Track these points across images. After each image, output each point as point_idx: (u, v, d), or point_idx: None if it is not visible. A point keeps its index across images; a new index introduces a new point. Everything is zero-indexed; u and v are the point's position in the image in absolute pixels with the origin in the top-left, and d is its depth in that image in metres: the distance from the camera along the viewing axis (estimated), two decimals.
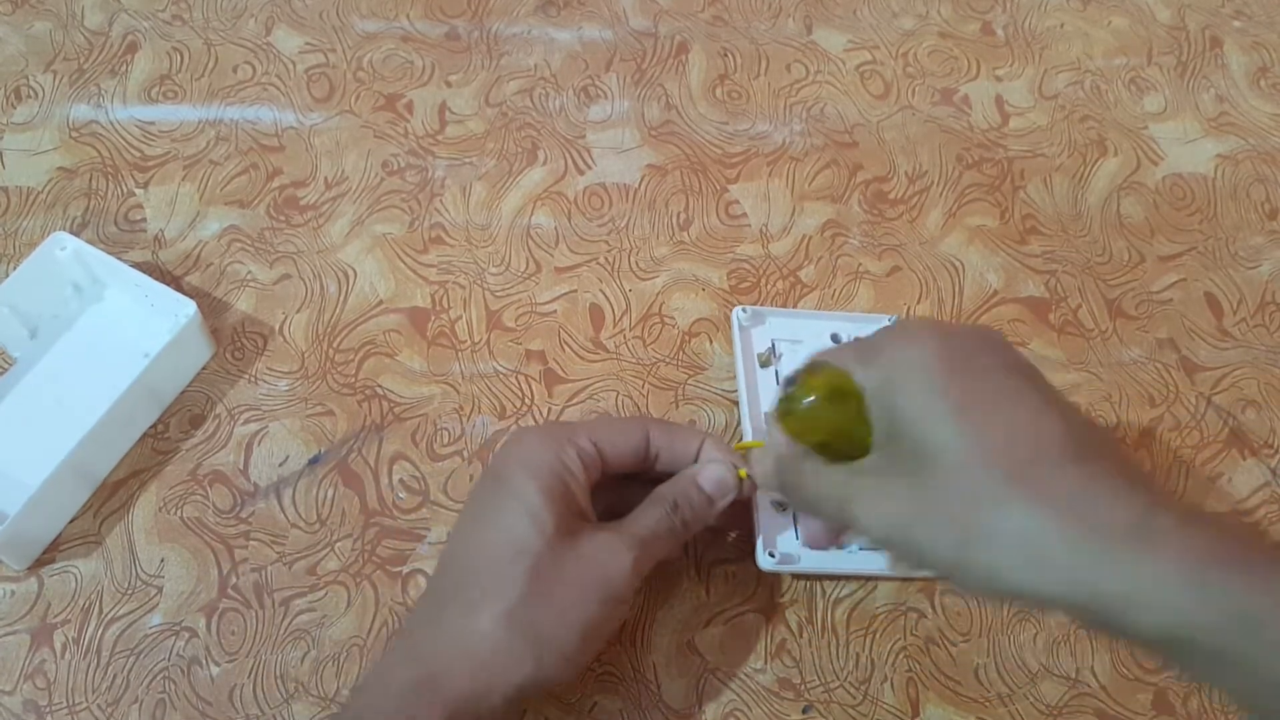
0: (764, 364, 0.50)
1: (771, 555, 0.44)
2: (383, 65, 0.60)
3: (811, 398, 0.37)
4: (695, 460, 0.43)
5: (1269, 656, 0.28)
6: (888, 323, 0.51)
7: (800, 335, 0.51)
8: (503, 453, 0.42)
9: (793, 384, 0.38)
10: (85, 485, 0.46)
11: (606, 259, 0.54)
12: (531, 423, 0.49)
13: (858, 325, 0.51)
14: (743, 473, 0.43)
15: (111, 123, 0.57)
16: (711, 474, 0.43)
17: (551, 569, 0.38)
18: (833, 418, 0.37)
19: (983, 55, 0.64)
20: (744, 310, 0.51)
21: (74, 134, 0.56)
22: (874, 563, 0.46)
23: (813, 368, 0.38)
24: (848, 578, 0.46)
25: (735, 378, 0.49)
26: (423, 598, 0.42)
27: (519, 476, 0.39)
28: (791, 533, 0.45)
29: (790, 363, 0.49)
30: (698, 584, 0.46)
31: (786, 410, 0.38)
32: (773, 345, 0.50)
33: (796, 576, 0.46)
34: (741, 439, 0.48)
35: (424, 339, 0.51)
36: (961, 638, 0.46)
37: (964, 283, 0.55)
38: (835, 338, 0.49)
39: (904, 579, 0.46)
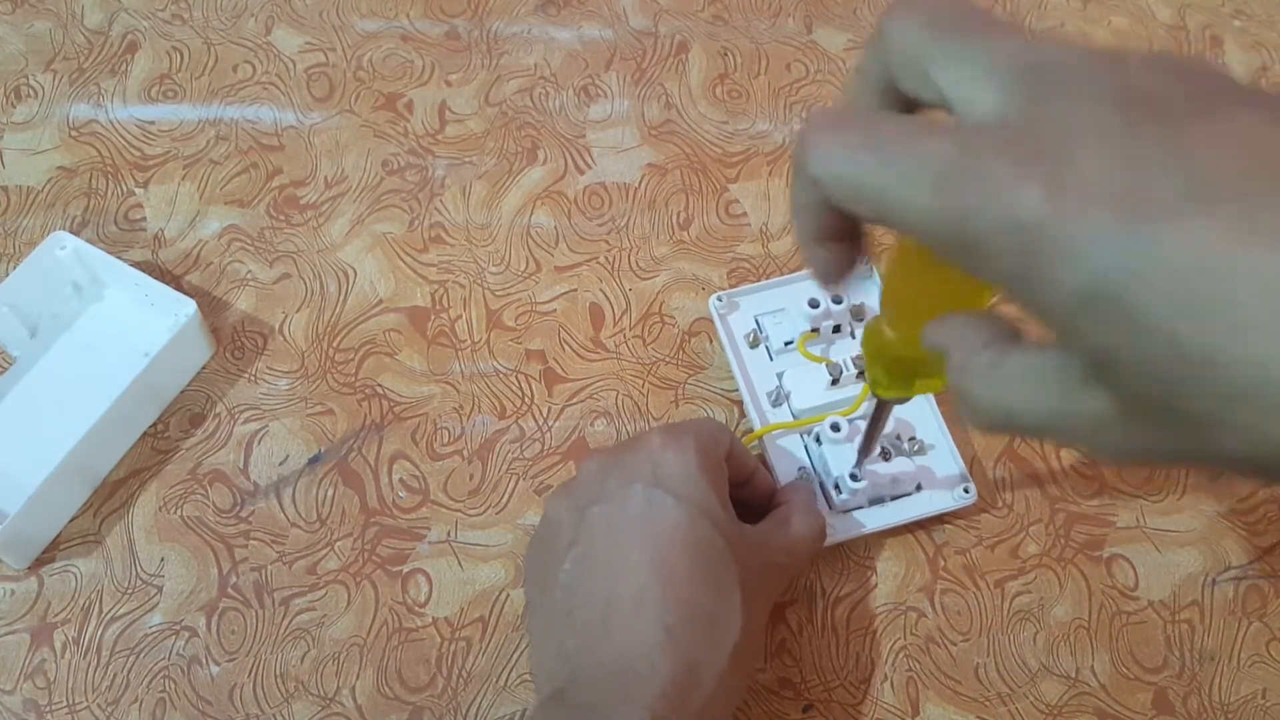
0: (753, 345, 0.50)
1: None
2: (382, 64, 0.60)
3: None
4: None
5: None
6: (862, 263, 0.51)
7: (780, 304, 0.51)
8: (657, 455, 0.38)
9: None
10: (85, 484, 0.46)
11: (606, 258, 0.54)
12: (532, 423, 0.49)
13: None
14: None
15: (111, 122, 0.57)
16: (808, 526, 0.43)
17: (741, 579, 0.37)
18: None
19: None
20: (719, 298, 0.50)
21: (74, 133, 0.56)
22: (901, 512, 0.46)
23: None
24: (886, 533, 0.47)
25: (730, 367, 0.49)
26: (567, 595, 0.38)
27: (686, 478, 0.38)
28: (824, 508, 0.46)
29: (778, 336, 0.49)
30: None
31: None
32: (757, 323, 0.50)
33: (842, 538, 0.47)
34: (751, 429, 0.48)
35: (424, 338, 0.51)
36: (961, 637, 0.46)
37: None
38: (813, 302, 0.49)
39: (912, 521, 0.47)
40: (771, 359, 0.50)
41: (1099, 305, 0.21)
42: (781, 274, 0.54)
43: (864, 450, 0.44)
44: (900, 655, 0.45)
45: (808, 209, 0.28)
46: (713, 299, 0.50)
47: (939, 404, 0.49)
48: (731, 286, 0.53)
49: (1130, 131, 0.21)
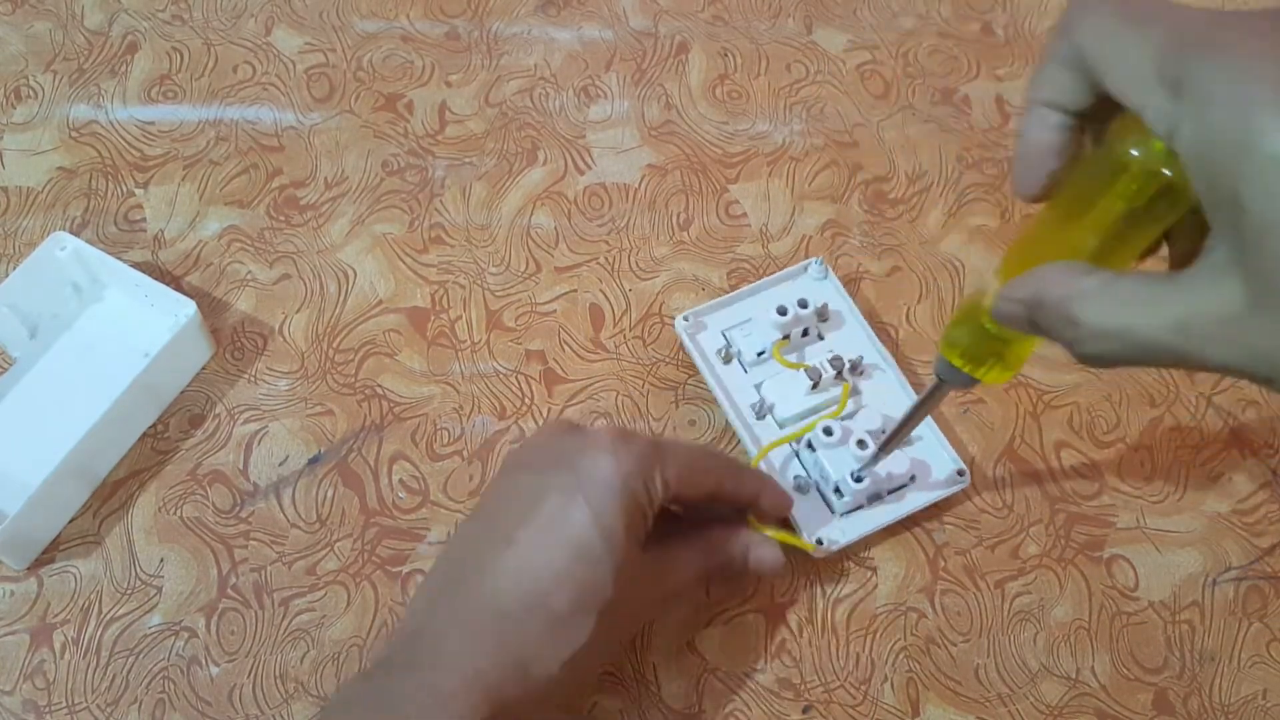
0: (726, 360, 0.50)
1: (820, 543, 0.45)
2: (382, 65, 0.60)
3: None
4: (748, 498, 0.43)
5: None
6: (814, 264, 0.52)
7: (745, 315, 0.51)
8: (593, 457, 0.37)
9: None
10: (85, 485, 0.46)
11: (606, 259, 0.54)
12: (532, 423, 0.49)
13: (791, 284, 0.52)
14: (799, 543, 0.44)
15: (111, 123, 0.57)
16: (760, 558, 0.42)
17: (612, 605, 0.37)
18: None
19: (983, 55, 0.64)
20: (685, 318, 0.50)
21: (74, 134, 0.56)
22: (903, 506, 0.46)
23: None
24: (890, 531, 0.47)
25: (709, 385, 0.49)
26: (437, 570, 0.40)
27: (605, 493, 0.37)
28: (826, 513, 0.46)
29: (749, 348, 0.49)
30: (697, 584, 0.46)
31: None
32: (725, 338, 0.50)
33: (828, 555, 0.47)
34: (737, 441, 0.48)
35: (424, 339, 0.51)
36: (961, 638, 0.46)
37: (964, 283, 0.55)
38: (781, 309, 0.49)
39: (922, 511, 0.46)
40: (746, 371, 0.50)
41: (1256, 375, 0.24)
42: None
43: (890, 440, 0.44)
44: (900, 656, 0.45)
45: (1056, 66, 0.28)
46: (678, 320, 0.50)
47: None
48: (732, 288, 0.53)
49: None
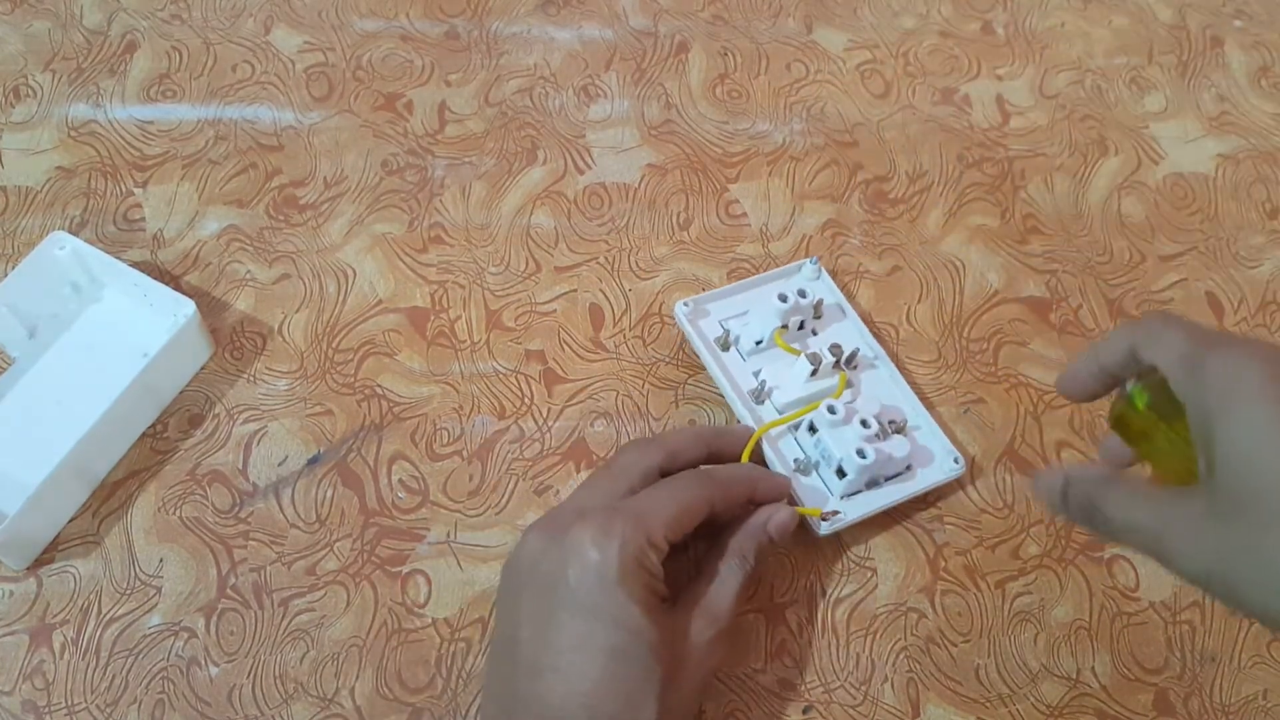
0: (724, 347, 0.50)
1: (824, 519, 0.45)
2: (382, 64, 0.60)
3: (1147, 398, 0.34)
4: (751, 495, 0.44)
5: None
6: (809, 264, 0.52)
7: (745, 307, 0.51)
8: (580, 568, 0.38)
9: (1132, 384, 0.36)
10: (84, 485, 0.46)
11: (606, 258, 0.54)
12: (531, 423, 0.49)
13: (788, 280, 0.52)
14: (807, 511, 0.45)
15: (110, 122, 0.57)
16: (782, 522, 0.43)
17: (667, 677, 0.37)
18: (1168, 430, 0.34)
19: (983, 54, 0.64)
20: (685, 304, 0.50)
21: (73, 133, 0.56)
22: (900, 491, 0.47)
23: (1148, 371, 0.35)
24: (888, 519, 0.47)
25: (708, 369, 0.50)
26: None
27: (607, 591, 0.37)
28: (825, 492, 0.46)
29: (747, 337, 0.50)
30: None
31: (1122, 413, 0.36)
32: (724, 329, 0.50)
33: (844, 539, 0.47)
34: (739, 424, 0.48)
35: (423, 339, 0.51)
36: (962, 638, 0.46)
37: (964, 282, 0.55)
38: (782, 296, 0.49)
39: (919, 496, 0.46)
40: (745, 360, 0.50)
41: (1211, 585, 0.31)
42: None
43: None
44: (901, 656, 0.45)
45: (1108, 361, 0.36)
46: (679, 305, 0.50)
47: (916, 388, 0.50)
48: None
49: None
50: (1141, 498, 0.33)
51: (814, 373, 0.48)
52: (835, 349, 0.48)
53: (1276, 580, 0.29)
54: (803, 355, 0.48)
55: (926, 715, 0.44)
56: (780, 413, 0.48)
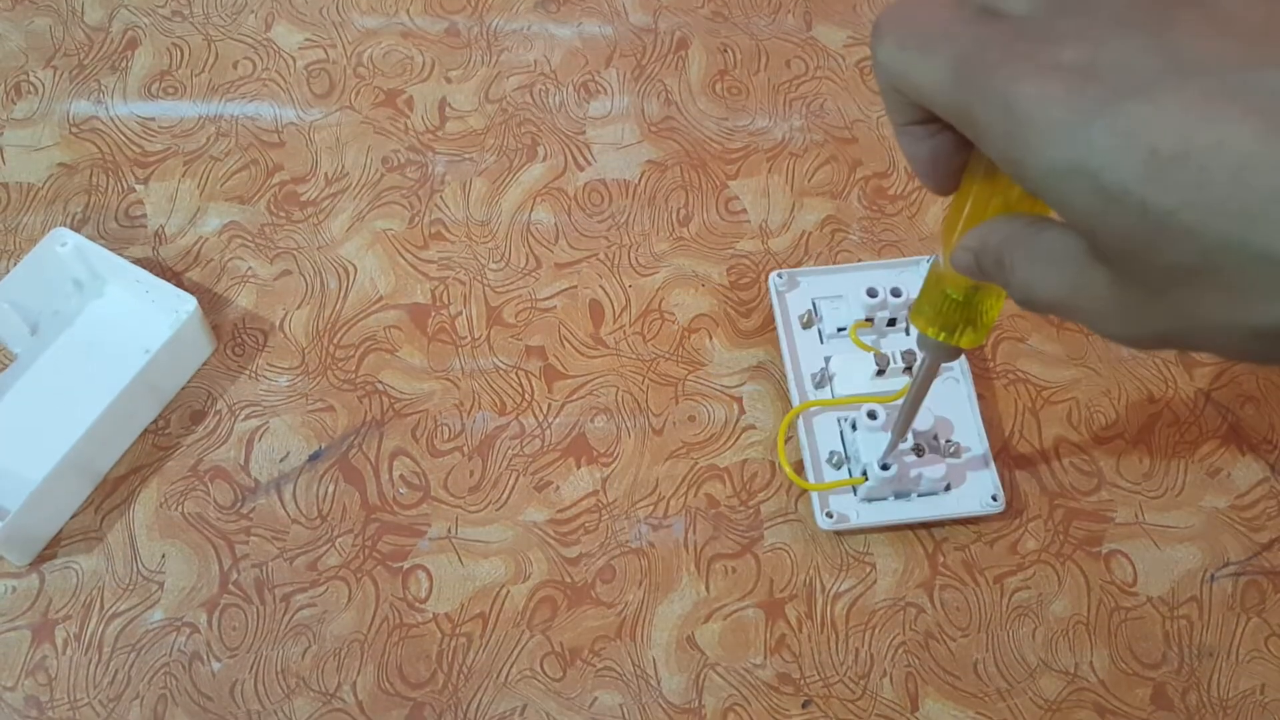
0: (806, 325, 0.50)
1: (829, 515, 0.45)
2: (383, 61, 0.60)
3: None
4: None
5: None
6: (926, 263, 0.52)
7: (839, 290, 0.51)
8: None
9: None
10: (86, 481, 0.46)
11: (606, 255, 0.54)
12: (532, 419, 0.50)
13: (894, 272, 0.52)
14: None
15: (112, 118, 0.57)
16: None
17: None
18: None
19: None
20: (779, 275, 0.51)
21: (74, 130, 0.56)
22: (925, 510, 0.47)
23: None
24: (901, 527, 0.47)
25: (779, 344, 0.50)
26: None
27: None
28: (849, 493, 0.46)
29: (832, 320, 0.50)
30: (697, 579, 0.46)
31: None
32: (813, 305, 0.51)
33: (843, 534, 0.47)
34: (792, 405, 0.49)
35: (424, 335, 0.52)
36: (960, 632, 0.46)
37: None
38: (872, 291, 0.49)
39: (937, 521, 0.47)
40: (822, 342, 0.50)
41: (1072, 180, 0.22)
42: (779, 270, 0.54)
43: (899, 426, 0.44)
44: (899, 651, 0.45)
45: (885, 94, 0.29)
46: (773, 276, 0.51)
47: (981, 408, 0.49)
48: (732, 284, 0.53)
49: (1122, 18, 0.23)
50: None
51: (880, 372, 0.48)
52: (908, 355, 0.48)
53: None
54: (872, 354, 0.48)
55: (925, 709, 0.44)
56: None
